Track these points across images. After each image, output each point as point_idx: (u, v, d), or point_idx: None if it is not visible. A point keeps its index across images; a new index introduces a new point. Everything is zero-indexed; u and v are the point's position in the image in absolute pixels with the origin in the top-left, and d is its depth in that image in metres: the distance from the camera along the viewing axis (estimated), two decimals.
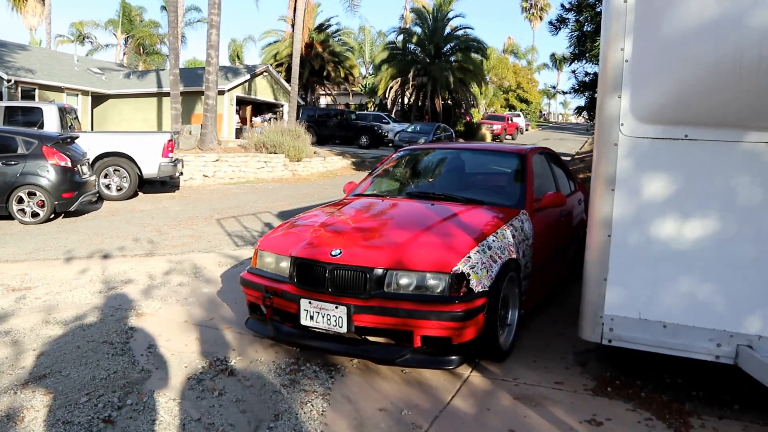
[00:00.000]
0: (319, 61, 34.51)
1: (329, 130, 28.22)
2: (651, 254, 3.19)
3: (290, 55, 25.29)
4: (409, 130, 27.25)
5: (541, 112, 67.42)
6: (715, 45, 2.76)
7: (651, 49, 3.00)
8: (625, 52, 3.07)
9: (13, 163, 9.03)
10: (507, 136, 35.99)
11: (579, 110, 16.49)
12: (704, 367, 3.47)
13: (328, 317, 3.58)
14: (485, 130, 34.84)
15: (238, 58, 47.36)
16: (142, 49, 41.79)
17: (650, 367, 3.79)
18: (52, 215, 9.27)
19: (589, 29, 13.15)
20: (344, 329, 3.55)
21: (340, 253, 3.67)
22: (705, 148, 3.02)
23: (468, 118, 36.76)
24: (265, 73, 29.25)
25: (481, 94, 40.78)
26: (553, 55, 58.84)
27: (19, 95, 21.70)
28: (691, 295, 3.16)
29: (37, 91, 22.80)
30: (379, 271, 3.53)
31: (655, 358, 3.56)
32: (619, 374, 3.74)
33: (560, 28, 13.73)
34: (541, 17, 60.24)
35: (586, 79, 14.21)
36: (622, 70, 3.09)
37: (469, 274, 3.50)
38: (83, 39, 42.76)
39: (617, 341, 3.34)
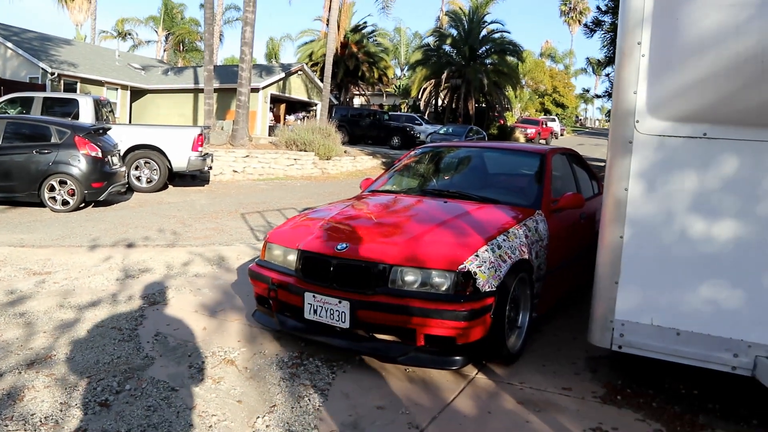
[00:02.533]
0: (353, 61, 34.61)
1: (361, 130, 28.27)
2: (665, 257, 3.06)
3: (325, 55, 25.46)
4: (441, 131, 27.13)
5: (577, 117, 66.43)
6: (736, 39, 2.63)
7: (669, 42, 2.87)
8: (642, 46, 2.95)
9: (46, 151, 9.24)
10: (541, 141, 35.55)
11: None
12: (722, 378, 3.31)
13: (331, 312, 3.54)
14: (519, 134, 34.49)
15: (276, 56, 47.82)
16: (181, 46, 42.56)
17: (665, 376, 3.64)
18: (82, 204, 9.45)
19: None
20: (347, 324, 3.50)
21: (346, 247, 3.62)
22: (725, 147, 2.88)
23: (502, 122, 36.44)
24: (299, 72, 29.46)
25: (516, 97, 40.41)
26: (588, 59, 57.77)
27: (62, 88, 22.29)
28: (707, 302, 3.02)
29: (78, 84, 23.38)
30: (384, 267, 3.47)
31: (670, 368, 3.42)
32: (631, 382, 3.61)
33: (595, 31, 13.50)
34: (579, 21, 59.26)
35: None
36: (638, 65, 2.97)
37: (476, 273, 3.41)
38: (125, 35, 43.74)
39: (627, 347, 3.21)
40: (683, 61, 2.88)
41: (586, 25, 13.81)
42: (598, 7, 13.64)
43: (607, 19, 13.54)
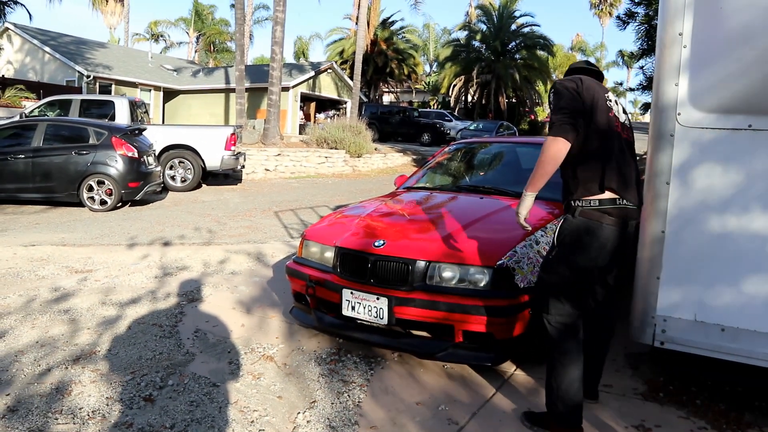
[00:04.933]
0: (382, 59, 34.63)
1: (391, 127, 28.31)
2: (708, 252, 2.99)
3: (355, 53, 25.55)
4: (471, 128, 26.98)
5: None
6: None
7: (712, 32, 2.80)
8: (683, 36, 2.88)
9: (84, 152, 9.47)
10: None
11: (646, 107, 15.88)
12: None
13: (370, 308, 3.55)
14: None
15: (304, 55, 48.07)
16: (212, 47, 43.07)
17: (708, 373, 3.56)
18: (119, 203, 9.66)
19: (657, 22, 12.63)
20: (385, 321, 3.50)
21: (384, 244, 3.62)
22: None
23: (532, 117, 36.06)
24: (329, 70, 29.58)
25: (546, 92, 39.88)
26: (620, 52, 56.59)
27: (97, 90, 22.80)
28: (753, 297, 2.94)
29: (113, 86, 23.90)
30: (422, 264, 3.47)
31: (714, 364, 3.34)
32: (674, 379, 3.54)
33: (628, 23, 13.24)
34: (610, 13, 58.05)
35: None
36: (679, 56, 2.90)
37: (514, 269, 3.39)
38: (157, 37, 44.44)
39: (670, 344, 3.15)
40: (727, 50, 2.81)
41: (618, 17, 13.55)
42: None
43: (640, 10, 13.29)
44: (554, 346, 2.83)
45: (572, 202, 2.77)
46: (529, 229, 2.89)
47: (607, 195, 2.70)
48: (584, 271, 2.79)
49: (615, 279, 3.03)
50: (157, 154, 11.25)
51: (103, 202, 9.46)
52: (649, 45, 12.96)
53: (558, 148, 2.67)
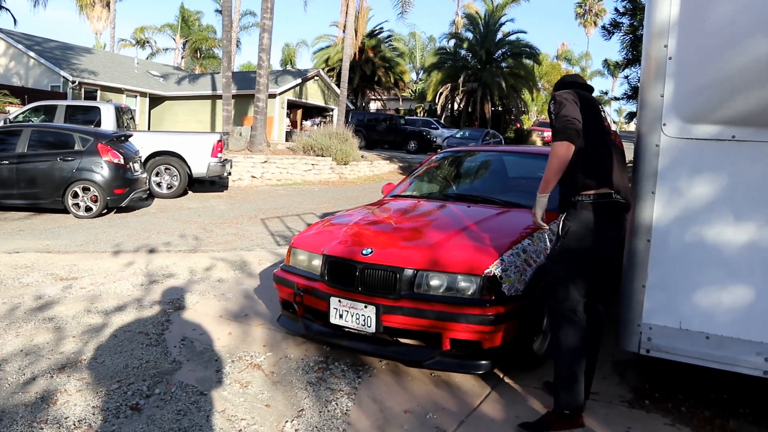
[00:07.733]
0: (369, 66, 34.70)
1: (378, 134, 28.39)
2: (693, 261, 3.03)
3: (341, 60, 25.60)
4: (457, 135, 27.10)
5: None
6: (765, 39, 2.60)
7: (696, 44, 2.86)
8: (668, 48, 2.94)
9: (69, 159, 9.39)
10: None
11: (631, 116, 16.08)
12: (754, 382, 3.28)
13: (357, 316, 3.55)
14: (536, 137, 34.30)
15: (291, 62, 47.98)
16: (199, 53, 42.92)
17: (694, 380, 3.61)
18: (105, 210, 9.58)
19: (642, 33, 12.82)
20: (373, 329, 3.51)
21: (372, 252, 3.63)
22: (754, 150, 2.85)
23: (518, 125, 36.29)
24: (315, 78, 29.62)
25: (532, 100, 40.17)
26: (605, 61, 57.14)
27: (83, 96, 22.64)
28: (737, 305, 2.99)
29: (99, 92, 23.75)
30: (410, 272, 3.48)
31: (699, 372, 3.39)
32: (660, 387, 3.58)
33: (613, 33, 13.41)
34: (595, 23, 58.71)
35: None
36: (665, 68, 2.95)
37: (501, 277, 3.41)
38: (144, 43, 44.20)
39: (655, 351, 3.18)
40: (711, 63, 2.86)
41: (604, 27, 13.73)
42: (616, 9, 13.58)
43: (625, 20, 13.48)
44: (560, 336, 3.00)
45: (573, 197, 3.04)
46: (547, 228, 3.25)
47: (604, 190, 2.98)
48: (585, 259, 3.01)
49: (612, 273, 3.22)
50: (143, 161, 11.18)
51: (88, 209, 9.38)
52: (633, 55, 13.14)
53: (565, 151, 2.92)
